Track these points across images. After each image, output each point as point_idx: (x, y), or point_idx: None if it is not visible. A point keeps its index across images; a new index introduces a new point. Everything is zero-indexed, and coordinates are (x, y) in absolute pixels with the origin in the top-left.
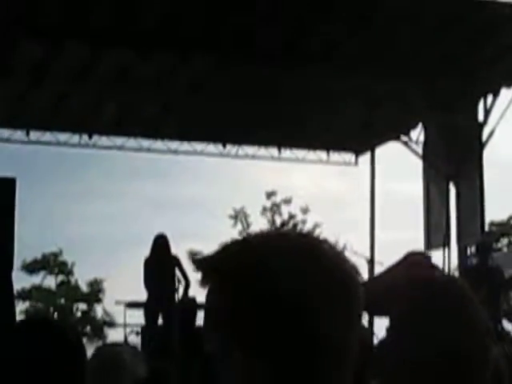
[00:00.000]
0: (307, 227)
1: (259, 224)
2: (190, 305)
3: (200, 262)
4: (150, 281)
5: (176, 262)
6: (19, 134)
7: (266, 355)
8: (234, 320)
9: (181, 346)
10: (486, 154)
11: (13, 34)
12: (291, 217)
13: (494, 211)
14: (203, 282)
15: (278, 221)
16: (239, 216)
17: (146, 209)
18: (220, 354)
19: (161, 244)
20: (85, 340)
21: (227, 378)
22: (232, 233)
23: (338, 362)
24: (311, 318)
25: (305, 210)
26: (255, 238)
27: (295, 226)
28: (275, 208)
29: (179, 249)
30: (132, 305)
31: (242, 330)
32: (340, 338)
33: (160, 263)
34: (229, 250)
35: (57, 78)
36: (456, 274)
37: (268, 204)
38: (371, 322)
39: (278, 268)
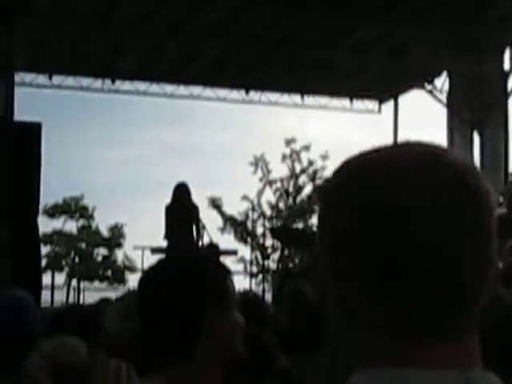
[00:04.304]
0: (327, 174)
1: (279, 171)
2: (213, 250)
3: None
4: (170, 228)
5: (196, 211)
6: (42, 79)
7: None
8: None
9: None
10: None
11: None
12: (310, 163)
13: None
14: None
15: (298, 168)
16: (259, 163)
17: (167, 155)
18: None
19: (182, 192)
20: (105, 284)
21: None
22: (252, 180)
23: (465, 294)
24: (434, 244)
25: (324, 157)
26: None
27: (315, 172)
28: (294, 155)
29: (199, 195)
30: (156, 250)
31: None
32: (468, 265)
33: (181, 211)
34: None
35: (80, 22)
36: None
37: (287, 151)
38: None
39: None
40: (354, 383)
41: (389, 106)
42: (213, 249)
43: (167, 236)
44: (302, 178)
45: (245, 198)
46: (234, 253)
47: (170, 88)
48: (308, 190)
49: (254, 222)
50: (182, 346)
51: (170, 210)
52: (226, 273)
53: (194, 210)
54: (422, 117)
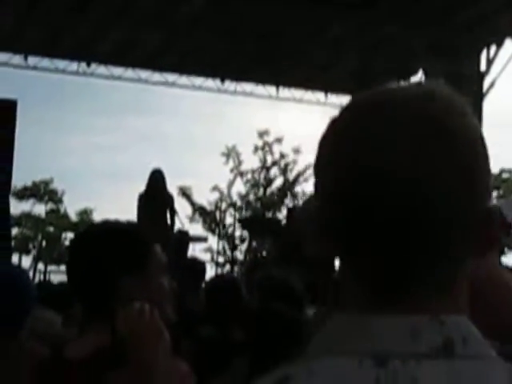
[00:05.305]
0: (298, 168)
1: (251, 162)
2: (183, 236)
3: None
4: (144, 215)
5: (170, 199)
6: (17, 59)
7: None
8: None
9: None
10: (486, 104)
11: None
12: (282, 156)
13: None
14: None
15: (270, 160)
16: (231, 154)
17: (138, 144)
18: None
19: (157, 180)
20: None
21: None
22: (223, 170)
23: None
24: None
25: (296, 151)
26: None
27: (286, 165)
28: (267, 147)
29: (170, 184)
30: None
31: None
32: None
33: (156, 200)
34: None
35: (58, 3)
36: None
37: (260, 143)
38: None
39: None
40: (326, 325)
41: None
42: (183, 235)
43: (140, 224)
44: (274, 171)
45: (215, 188)
46: (205, 239)
47: (144, 74)
48: (279, 182)
49: (223, 212)
50: (100, 308)
51: (144, 198)
52: (149, 241)
53: (168, 198)
54: None
